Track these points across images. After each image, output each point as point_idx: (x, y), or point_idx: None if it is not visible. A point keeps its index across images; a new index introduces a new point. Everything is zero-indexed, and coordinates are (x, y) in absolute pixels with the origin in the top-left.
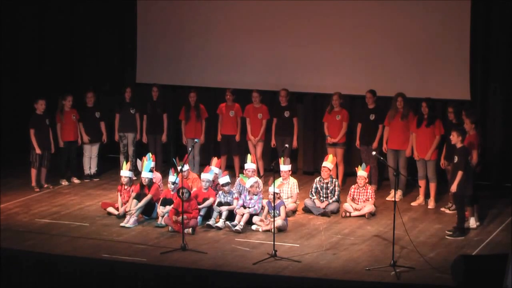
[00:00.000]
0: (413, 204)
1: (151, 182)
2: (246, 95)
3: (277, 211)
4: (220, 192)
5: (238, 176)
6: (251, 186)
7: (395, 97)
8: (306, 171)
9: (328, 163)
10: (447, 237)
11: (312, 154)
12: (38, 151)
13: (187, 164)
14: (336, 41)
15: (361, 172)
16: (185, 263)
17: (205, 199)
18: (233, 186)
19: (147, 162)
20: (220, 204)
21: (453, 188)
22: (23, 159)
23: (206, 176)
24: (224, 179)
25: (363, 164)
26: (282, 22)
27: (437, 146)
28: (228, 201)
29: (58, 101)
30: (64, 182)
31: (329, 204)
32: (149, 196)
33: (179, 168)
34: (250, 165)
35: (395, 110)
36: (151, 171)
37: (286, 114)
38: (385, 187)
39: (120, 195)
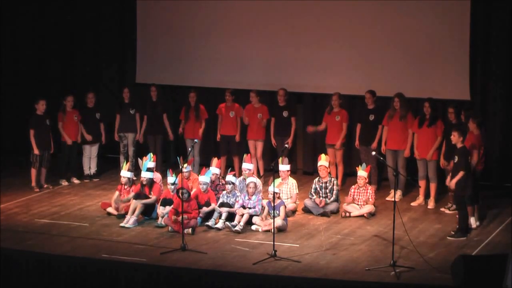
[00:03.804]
0: (413, 204)
1: (151, 181)
2: (246, 95)
3: (277, 211)
4: (223, 192)
5: (238, 177)
6: (247, 186)
7: (393, 97)
8: (306, 171)
9: (323, 161)
10: (448, 237)
11: (312, 154)
12: (36, 151)
13: (190, 165)
14: (336, 41)
15: (361, 172)
16: (185, 263)
17: (207, 202)
18: (236, 187)
19: (145, 162)
20: (222, 205)
21: (452, 183)
22: (23, 159)
23: (203, 179)
24: (229, 177)
25: (363, 164)
26: (281, 22)
27: (438, 146)
28: (231, 202)
29: (60, 102)
30: (64, 182)
31: (327, 204)
32: (154, 198)
33: (181, 167)
34: (247, 165)
35: (393, 110)
36: (151, 171)
37: (285, 113)
38: (385, 187)
39: (120, 195)
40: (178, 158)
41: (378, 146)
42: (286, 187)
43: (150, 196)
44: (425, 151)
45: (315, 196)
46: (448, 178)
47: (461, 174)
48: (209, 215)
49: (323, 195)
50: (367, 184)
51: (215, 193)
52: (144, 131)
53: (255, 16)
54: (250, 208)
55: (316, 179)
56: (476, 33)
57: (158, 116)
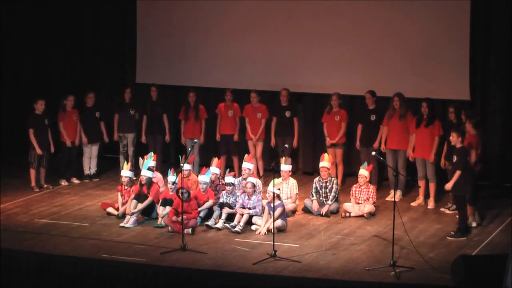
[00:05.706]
0: (412, 204)
1: (150, 181)
2: (246, 95)
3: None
4: (223, 192)
5: (238, 177)
6: (245, 186)
7: (392, 97)
8: (306, 172)
9: (325, 162)
10: (448, 237)
11: (312, 154)
12: (39, 151)
13: (190, 164)
14: (336, 41)
15: (362, 171)
16: (185, 263)
17: (205, 202)
18: (236, 188)
19: (147, 160)
20: (221, 205)
21: (448, 186)
22: (22, 159)
23: (203, 178)
24: (228, 178)
25: (365, 163)
26: (282, 22)
27: (437, 146)
28: (230, 202)
29: (60, 101)
30: (64, 183)
31: (329, 206)
32: (149, 199)
33: (181, 165)
34: (247, 164)
35: (392, 110)
36: (151, 170)
37: (287, 114)
38: (385, 187)
39: (121, 195)
40: (180, 156)
41: (378, 146)
42: (286, 186)
43: (149, 195)
44: (422, 151)
45: (315, 197)
46: (449, 183)
47: (457, 174)
48: (209, 214)
49: (323, 195)
50: (368, 183)
51: (215, 193)
52: (144, 131)
53: (255, 16)
54: (250, 208)
55: (317, 178)
56: (476, 33)
57: (158, 116)
